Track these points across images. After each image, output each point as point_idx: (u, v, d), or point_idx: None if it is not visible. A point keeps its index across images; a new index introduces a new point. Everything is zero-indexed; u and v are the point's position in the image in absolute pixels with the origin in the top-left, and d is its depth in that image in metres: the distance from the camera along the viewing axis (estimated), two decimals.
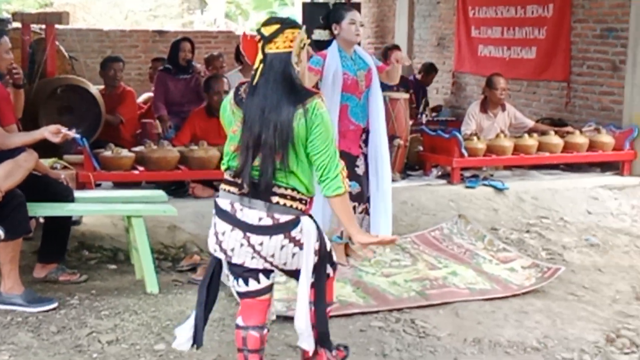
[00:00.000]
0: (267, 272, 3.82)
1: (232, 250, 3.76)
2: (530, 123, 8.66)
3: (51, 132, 5.14)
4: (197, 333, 3.88)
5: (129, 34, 14.39)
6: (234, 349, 4.48)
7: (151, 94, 9.18)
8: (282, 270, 3.85)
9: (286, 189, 3.67)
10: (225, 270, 3.87)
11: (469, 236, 6.71)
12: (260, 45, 3.69)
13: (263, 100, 3.63)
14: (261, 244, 3.70)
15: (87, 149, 6.49)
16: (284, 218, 3.67)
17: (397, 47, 10.11)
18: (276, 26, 3.66)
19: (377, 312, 5.18)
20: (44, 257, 5.56)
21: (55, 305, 5.08)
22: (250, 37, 4.53)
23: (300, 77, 3.73)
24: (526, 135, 8.11)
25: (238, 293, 3.87)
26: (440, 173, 8.00)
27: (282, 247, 3.72)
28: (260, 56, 3.69)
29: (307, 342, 3.87)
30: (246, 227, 3.70)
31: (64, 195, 5.51)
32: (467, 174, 7.92)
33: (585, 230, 7.09)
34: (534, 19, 9.87)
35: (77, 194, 5.75)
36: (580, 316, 5.31)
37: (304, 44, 3.71)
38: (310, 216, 3.81)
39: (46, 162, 6.19)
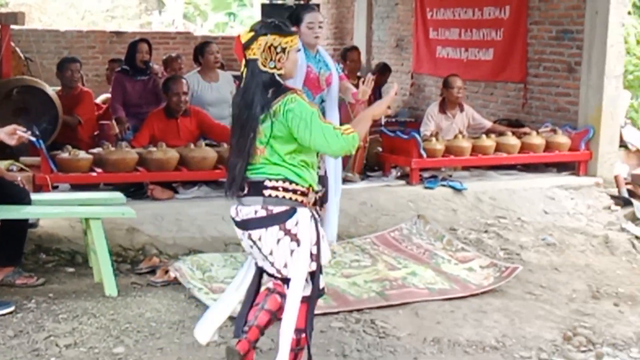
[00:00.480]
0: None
1: (251, 253, 4.03)
2: (488, 124, 8.74)
3: (7, 134, 5.08)
4: (237, 328, 4.03)
5: (86, 35, 14.25)
6: (194, 351, 4.47)
7: (109, 95, 9.11)
8: (286, 280, 3.90)
9: (277, 180, 3.85)
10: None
11: (428, 236, 6.74)
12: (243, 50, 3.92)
13: (242, 102, 3.90)
14: (260, 238, 3.86)
15: (44, 150, 6.42)
16: (277, 209, 3.84)
17: (355, 49, 10.14)
18: (251, 34, 3.89)
19: (337, 312, 5.19)
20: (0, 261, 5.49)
21: (12, 309, 5.02)
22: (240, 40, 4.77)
23: (287, 76, 3.96)
24: (484, 136, 8.17)
25: None
26: (399, 174, 8.04)
27: (279, 240, 3.84)
28: (244, 61, 3.93)
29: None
30: (246, 225, 3.90)
31: (20, 197, 5.44)
32: (426, 174, 7.97)
33: (542, 230, 7.16)
34: (491, 20, 9.95)
35: (34, 196, 5.68)
36: (538, 315, 5.37)
37: (282, 49, 3.89)
38: (313, 213, 3.91)
39: (2, 164, 6.12)
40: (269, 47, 3.87)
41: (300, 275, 3.86)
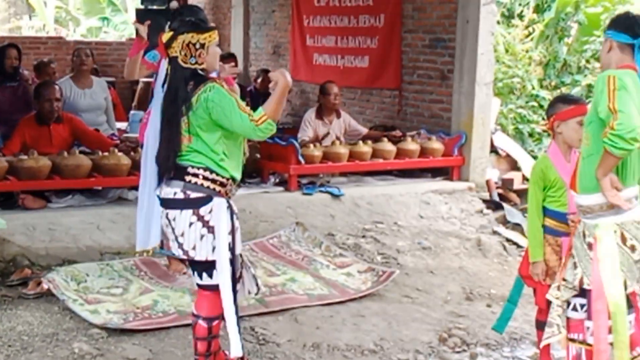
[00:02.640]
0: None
1: (164, 233, 4.20)
2: (364, 130, 8.85)
3: None
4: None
5: None
6: None
7: None
8: (192, 261, 4.11)
9: (199, 168, 4.06)
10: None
11: (306, 243, 6.77)
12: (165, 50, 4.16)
13: (168, 97, 4.13)
14: (174, 219, 4.08)
15: None
16: (194, 194, 4.06)
17: (232, 56, 10.10)
18: (170, 33, 4.12)
19: None
20: None
21: None
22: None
23: (209, 69, 4.18)
24: (361, 142, 8.27)
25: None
26: (277, 180, 8.04)
27: (191, 224, 4.05)
28: (168, 58, 4.17)
29: (236, 347, 4.05)
30: (165, 203, 4.14)
31: None
32: (304, 180, 8.00)
33: (418, 234, 7.29)
34: (366, 28, 10.08)
35: None
36: (415, 317, 5.47)
37: (201, 44, 4.09)
38: (230, 204, 4.09)
39: None
40: (188, 45, 4.08)
41: (223, 263, 4.04)
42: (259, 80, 10.73)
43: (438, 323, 5.39)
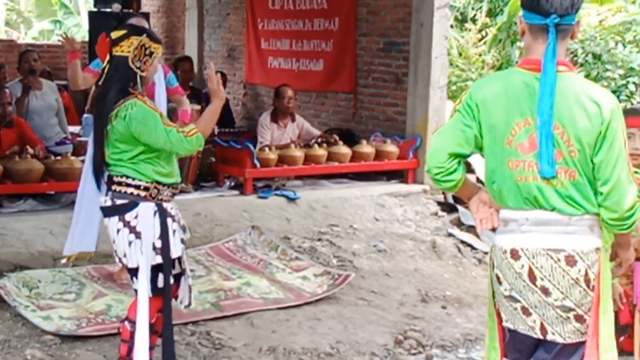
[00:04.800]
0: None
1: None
2: (318, 133, 8.86)
3: None
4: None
5: None
6: None
7: None
8: (127, 268, 4.11)
9: (120, 177, 4.05)
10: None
11: (262, 246, 6.76)
12: (109, 47, 4.09)
13: (102, 97, 4.09)
14: (107, 227, 4.11)
15: None
16: (119, 201, 4.05)
17: (188, 58, 10.06)
18: (123, 31, 4.09)
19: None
20: None
21: None
22: (106, 38, 4.83)
23: (146, 80, 4.18)
24: (316, 145, 8.28)
25: None
26: (233, 184, 8.01)
27: (118, 230, 4.05)
28: (108, 57, 4.09)
29: (140, 355, 4.01)
30: (102, 211, 4.18)
31: None
32: (259, 184, 7.99)
33: (373, 236, 7.32)
34: (321, 32, 10.10)
35: None
36: (371, 320, 5.48)
37: (150, 52, 4.09)
38: (162, 206, 4.05)
39: None
40: (141, 47, 4.07)
41: (142, 268, 4.01)
42: None
43: (394, 325, 5.41)
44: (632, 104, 10.06)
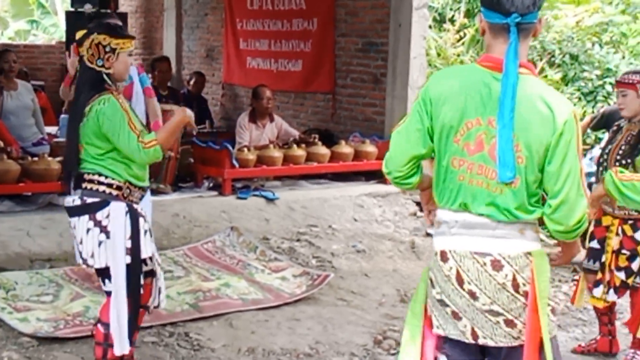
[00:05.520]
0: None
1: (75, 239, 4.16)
2: (296, 134, 8.86)
3: None
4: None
5: None
6: None
7: None
8: (95, 268, 4.10)
9: (93, 174, 4.02)
10: None
11: (241, 247, 6.75)
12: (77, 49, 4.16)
13: (75, 99, 4.13)
14: (75, 226, 4.05)
15: None
16: (90, 200, 4.01)
17: (166, 59, 10.01)
18: (84, 32, 4.09)
19: (150, 327, 5.09)
20: None
21: None
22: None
23: (117, 77, 4.12)
24: (295, 145, 8.28)
25: None
26: (211, 184, 8.00)
27: (88, 230, 4.01)
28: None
29: (121, 345, 4.04)
30: (67, 211, 4.12)
31: None
32: (238, 184, 7.97)
33: (352, 237, 7.32)
34: (299, 32, 10.10)
35: None
36: (350, 320, 5.48)
37: (111, 48, 4.03)
38: (132, 207, 4.04)
39: None
40: (97, 45, 4.03)
41: (117, 268, 4.00)
42: (192, 82, 10.67)
43: (373, 325, 5.41)
44: (608, 104, 10.12)
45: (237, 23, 11.26)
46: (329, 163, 8.37)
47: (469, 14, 13.04)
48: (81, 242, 4.05)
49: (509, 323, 2.87)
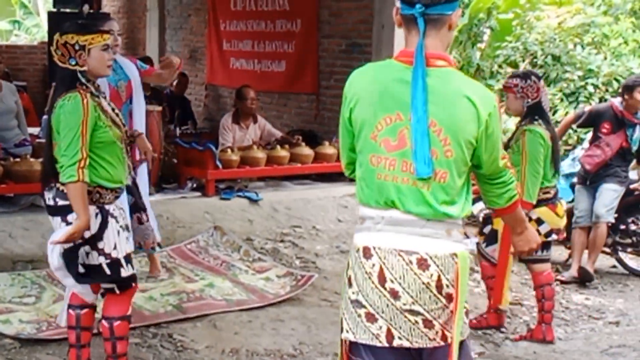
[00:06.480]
0: None
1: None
2: (279, 134, 8.85)
3: None
4: None
5: None
6: None
7: None
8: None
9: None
10: None
11: (224, 247, 6.74)
12: None
13: (52, 100, 4.10)
14: (54, 226, 4.08)
15: None
16: (61, 202, 4.00)
17: (148, 59, 9.99)
18: (57, 35, 4.05)
19: (133, 328, 5.06)
20: None
21: None
22: None
23: (94, 73, 4.08)
24: (278, 146, 8.27)
25: None
26: (195, 185, 7.98)
27: None
28: None
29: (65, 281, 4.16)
30: (46, 209, 4.15)
31: None
32: (222, 185, 7.96)
33: (336, 237, 7.33)
34: (283, 33, 10.10)
35: None
36: (334, 321, 5.48)
37: (81, 46, 4.00)
38: (103, 209, 4.02)
39: None
40: (64, 45, 4.01)
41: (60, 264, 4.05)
42: (175, 83, 10.65)
43: None
44: (591, 104, 10.18)
45: (221, 24, 11.25)
46: (313, 164, 8.37)
47: None
48: None
49: (428, 324, 2.78)
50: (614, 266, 7.67)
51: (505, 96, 5.51)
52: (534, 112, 5.35)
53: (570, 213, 7.52)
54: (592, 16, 12.48)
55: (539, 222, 5.37)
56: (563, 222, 5.54)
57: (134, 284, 4.22)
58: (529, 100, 5.35)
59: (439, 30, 2.79)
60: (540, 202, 5.34)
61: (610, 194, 7.12)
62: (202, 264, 6.40)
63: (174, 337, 5.02)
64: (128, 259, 4.16)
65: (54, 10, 12.03)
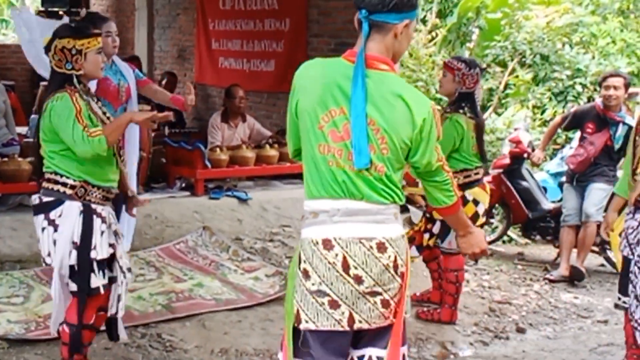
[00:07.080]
0: None
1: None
2: (268, 134, 8.85)
3: None
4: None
5: None
6: None
7: None
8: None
9: (50, 173, 4.06)
10: None
11: (213, 247, 6.73)
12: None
13: (43, 101, 4.12)
14: (36, 227, 4.11)
15: None
16: (46, 199, 4.06)
17: (136, 58, 9.97)
18: (50, 38, 4.08)
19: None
20: None
21: None
22: None
23: (89, 76, 4.15)
24: (267, 146, 8.27)
25: None
26: (184, 185, 7.97)
27: (43, 229, 4.07)
28: None
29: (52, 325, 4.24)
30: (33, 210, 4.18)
31: None
32: (211, 185, 7.95)
33: None
34: (272, 32, 10.09)
35: None
36: None
37: (77, 50, 4.02)
38: (89, 207, 4.04)
39: None
40: (62, 50, 4.03)
41: (56, 265, 4.07)
42: (164, 83, 10.63)
43: None
44: (579, 104, 10.21)
45: (209, 23, 11.23)
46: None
47: (441, 15, 13.11)
48: (39, 241, 4.11)
49: (385, 304, 3.02)
50: (602, 265, 7.70)
51: (443, 73, 5.61)
52: (464, 99, 5.48)
53: (558, 212, 7.55)
54: (580, 16, 12.54)
55: (476, 202, 5.50)
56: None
57: (98, 293, 4.16)
58: (464, 87, 5.47)
59: (384, 36, 3.00)
60: (472, 183, 5.49)
61: (599, 194, 7.15)
62: (191, 264, 6.39)
63: (163, 337, 5.01)
64: (102, 265, 4.12)
65: (42, 9, 12.00)
